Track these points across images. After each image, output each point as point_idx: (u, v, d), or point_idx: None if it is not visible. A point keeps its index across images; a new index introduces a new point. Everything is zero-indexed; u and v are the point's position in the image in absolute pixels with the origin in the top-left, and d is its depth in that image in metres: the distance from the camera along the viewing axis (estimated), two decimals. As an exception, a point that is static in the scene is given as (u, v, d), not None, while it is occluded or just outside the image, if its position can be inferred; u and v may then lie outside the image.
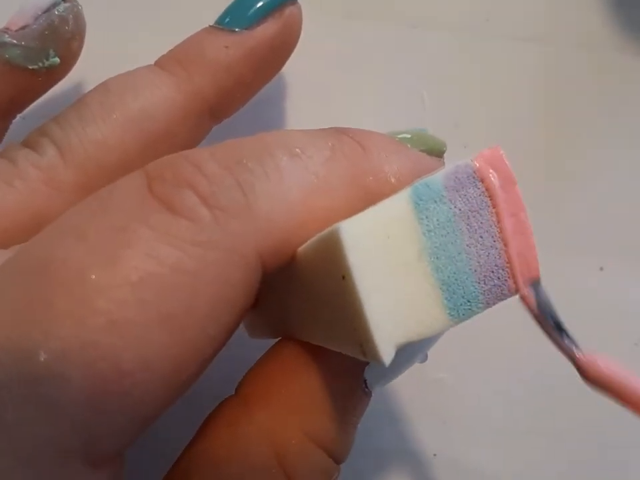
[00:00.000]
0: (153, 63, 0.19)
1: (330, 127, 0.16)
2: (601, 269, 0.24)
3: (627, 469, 0.23)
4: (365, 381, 0.15)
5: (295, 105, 0.24)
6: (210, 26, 0.19)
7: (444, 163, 0.17)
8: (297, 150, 0.14)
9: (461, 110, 0.25)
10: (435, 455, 0.23)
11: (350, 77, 0.25)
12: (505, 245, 0.13)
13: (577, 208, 0.24)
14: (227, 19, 0.19)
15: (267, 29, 0.19)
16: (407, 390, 0.23)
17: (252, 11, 0.19)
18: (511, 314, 0.22)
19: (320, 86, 0.24)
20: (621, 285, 0.24)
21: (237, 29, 0.19)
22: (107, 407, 0.12)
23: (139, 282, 0.12)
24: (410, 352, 0.16)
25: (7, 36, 0.18)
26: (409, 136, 0.16)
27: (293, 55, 0.21)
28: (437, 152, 0.17)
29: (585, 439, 0.23)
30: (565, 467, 0.23)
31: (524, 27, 0.25)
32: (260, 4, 0.19)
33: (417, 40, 0.25)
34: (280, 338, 0.16)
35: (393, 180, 0.15)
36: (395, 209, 0.12)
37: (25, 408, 0.12)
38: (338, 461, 0.15)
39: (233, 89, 0.19)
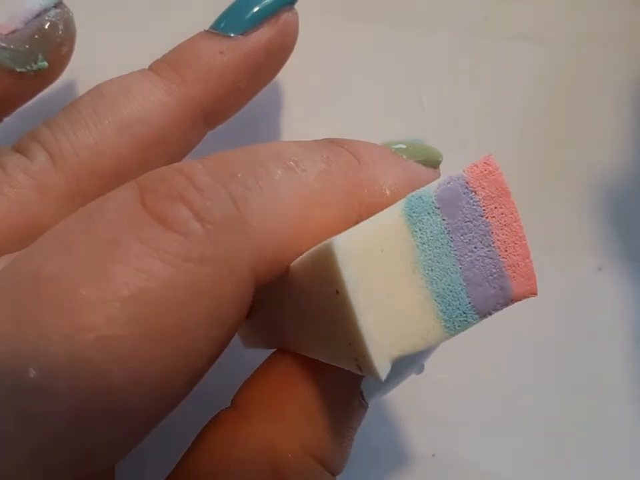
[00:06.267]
0: (146, 67, 0.20)
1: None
2: (599, 269, 0.24)
3: (628, 467, 0.23)
4: (362, 393, 0.16)
5: (291, 107, 0.25)
6: (205, 31, 0.20)
7: (439, 174, 0.17)
8: (291, 163, 0.14)
9: (460, 110, 0.25)
10: (433, 455, 0.23)
11: (349, 77, 0.25)
12: (499, 255, 0.13)
13: (575, 208, 0.25)
14: (222, 24, 0.19)
15: (263, 35, 0.19)
16: (405, 390, 0.23)
17: (248, 16, 0.19)
18: (511, 314, 0.22)
19: (320, 87, 0.25)
20: (620, 285, 0.24)
21: (232, 34, 0.19)
22: (95, 423, 0.12)
23: (129, 297, 0.12)
24: (406, 364, 0.16)
25: None
26: (404, 146, 0.17)
27: (292, 56, 0.21)
28: (432, 162, 0.17)
29: (585, 438, 0.23)
30: (565, 467, 0.23)
31: (523, 27, 0.26)
32: (256, 9, 0.19)
33: (417, 40, 0.25)
34: (275, 349, 0.17)
35: (387, 192, 0.15)
36: (388, 223, 0.13)
37: (11, 424, 0.12)
38: (334, 473, 0.16)
39: (227, 94, 0.19)
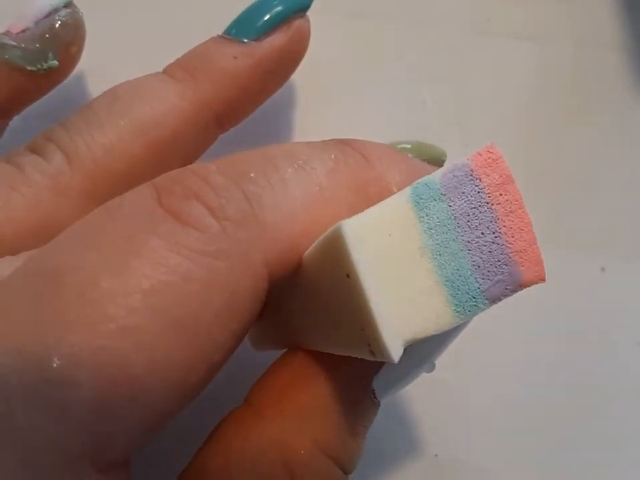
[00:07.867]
0: (160, 70, 0.20)
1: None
2: (602, 269, 0.24)
3: (629, 468, 0.24)
4: (373, 391, 0.16)
5: (298, 107, 0.25)
6: (218, 36, 0.20)
7: None
8: (301, 162, 0.15)
9: (461, 110, 0.25)
10: (436, 455, 0.23)
11: (351, 77, 0.25)
12: (506, 241, 0.13)
13: (578, 208, 0.25)
14: (235, 30, 0.20)
15: (275, 41, 0.20)
16: (408, 389, 0.23)
17: (260, 22, 0.20)
18: (513, 314, 0.23)
19: (321, 87, 0.25)
20: (622, 285, 0.24)
21: (245, 40, 0.20)
22: (115, 412, 0.13)
23: (149, 289, 0.13)
24: (418, 360, 0.16)
25: (7, 38, 0.19)
26: (409, 146, 0.17)
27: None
28: (437, 161, 0.17)
29: (586, 439, 0.23)
30: (566, 468, 0.23)
31: (524, 27, 0.26)
32: (268, 16, 0.20)
33: (418, 40, 0.26)
34: (287, 349, 0.17)
35: (395, 189, 0.15)
36: (395, 208, 0.13)
37: (35, 413, 0.12)
38: (347, 471, 0.16)
39: (239, 98, 0.20)
